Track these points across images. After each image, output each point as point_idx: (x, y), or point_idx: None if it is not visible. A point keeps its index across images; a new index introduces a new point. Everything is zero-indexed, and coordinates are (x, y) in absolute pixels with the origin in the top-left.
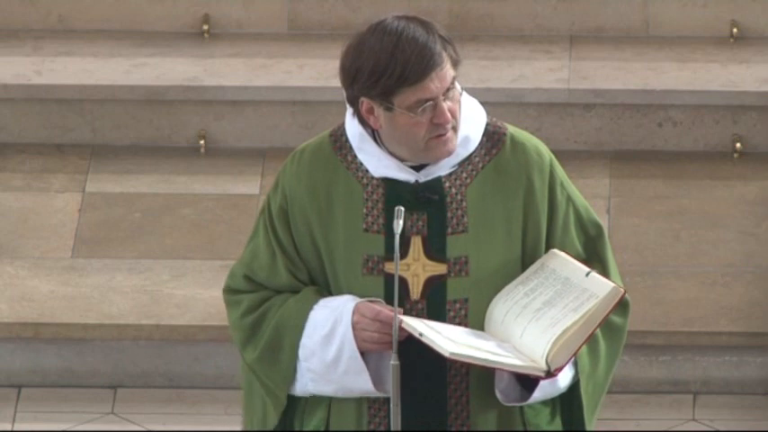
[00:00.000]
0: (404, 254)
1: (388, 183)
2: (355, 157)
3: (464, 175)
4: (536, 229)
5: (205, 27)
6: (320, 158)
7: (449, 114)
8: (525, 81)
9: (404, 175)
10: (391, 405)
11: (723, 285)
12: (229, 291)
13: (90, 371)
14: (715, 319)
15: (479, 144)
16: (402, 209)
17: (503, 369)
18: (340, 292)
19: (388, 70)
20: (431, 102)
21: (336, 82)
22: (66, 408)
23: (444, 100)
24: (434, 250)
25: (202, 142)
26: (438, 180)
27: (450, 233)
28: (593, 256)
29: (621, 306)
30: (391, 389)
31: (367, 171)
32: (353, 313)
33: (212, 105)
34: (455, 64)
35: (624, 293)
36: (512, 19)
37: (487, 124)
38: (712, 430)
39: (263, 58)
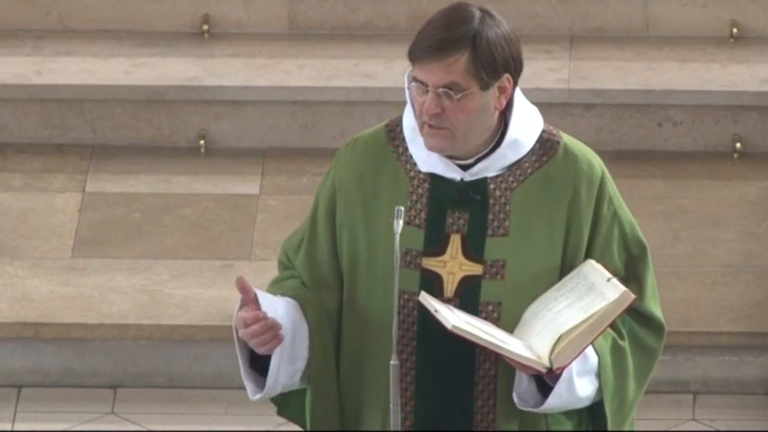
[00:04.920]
0: (441, 251)
1: (434, 178)
2: (407, 149)
3: (511, 178)
4: (577, 240)
5: (205, 27)
6: (372, 148)
7: (430, 107)
8: (525, 81)
9: (450, 172)
10: (391, 405)
11: (723, 285)
12: (280, 254)
13: (90, 371)
14: (715, 319)
15: (531, 150)
16: (402, 209)
17: (503, 354)
18: (377, 284)
19: (414, 41)
20: (422, 85)
21: (336, 82)
22: (66, 408)
23: (437, 93)
24: (472, 250)
25: (202, 142)
26: (483, 181)
27: (490, 235)
28: (632, 276)
29: (656, 330)
30: (391, 389)
31: (415, 164)
32: (238, 329)
33: (212, 105)
34: (479, 80)
35: (635, 299)
36: (512, 19)
37: (543, 131)
38: (712, 430)
39: (263, 58)
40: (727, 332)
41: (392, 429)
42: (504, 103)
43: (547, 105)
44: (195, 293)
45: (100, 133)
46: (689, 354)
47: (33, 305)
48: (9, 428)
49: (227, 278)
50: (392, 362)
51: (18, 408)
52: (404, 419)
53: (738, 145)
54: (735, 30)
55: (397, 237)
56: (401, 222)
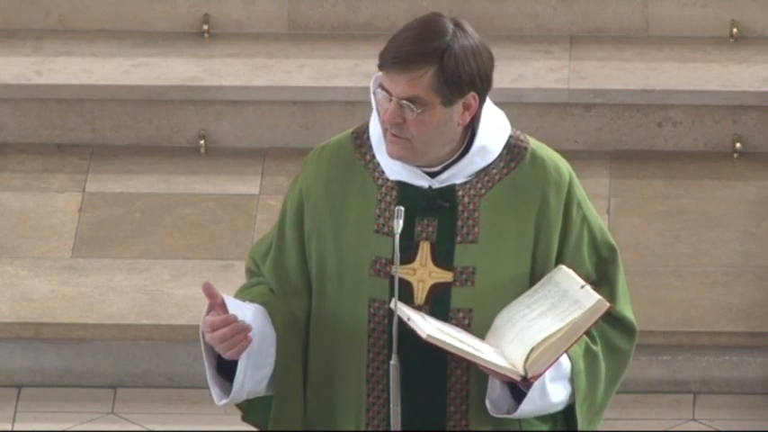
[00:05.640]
0: (411, 258)
1: (402, 186)
2: (374, 156)
3: (479, 185)
4: (547, 246)
5: (205, 27)
6: (340, 155)
7: (392, 116)
8: (525, 81)
9: (417, 179)
10: (391, 405)
11: (723, 285)
12: (248, 262)
13: (90, 371)
14: (715, 319)
15: (499, 156)
16: (402, 209)
17: (478, 363)
18: (345, 292)
19: (384, 48)
20: (387, 93)
21: (336, 82)
22: (66, 408)
23: (399, 104)
24: (442, 258)
25: (202, 142)
26: (452, 188)
27: (460, 242)
28: (603, 279)
29: (628, 332)
30: (391, 389)
31: (383, 172)
32: (205, 333)
33: (212, 105)
34: (442, 96)
35: (610, 307)
36: (512, 19)
37: (510, 137)
38: (712, 430)
39: (263, 58)
40: (727, 332)
41: (393, 429)
42: (467, 119)
43: (547, 105)
44: (195, 293)
45: (100, 133)
46: (689, 354)
47: (33, 305)
48: (9, 428)
49: (227, 278)
50: (392, 362)
51: (18, 408)
52: (377, 426)
53: (738, 145)
54: (735, 30)
55: (397, 237)
56: (401, 222)
